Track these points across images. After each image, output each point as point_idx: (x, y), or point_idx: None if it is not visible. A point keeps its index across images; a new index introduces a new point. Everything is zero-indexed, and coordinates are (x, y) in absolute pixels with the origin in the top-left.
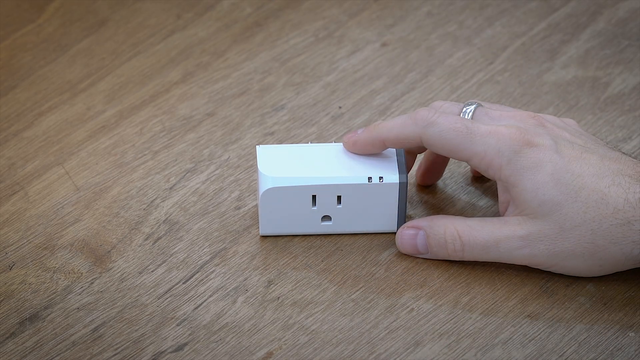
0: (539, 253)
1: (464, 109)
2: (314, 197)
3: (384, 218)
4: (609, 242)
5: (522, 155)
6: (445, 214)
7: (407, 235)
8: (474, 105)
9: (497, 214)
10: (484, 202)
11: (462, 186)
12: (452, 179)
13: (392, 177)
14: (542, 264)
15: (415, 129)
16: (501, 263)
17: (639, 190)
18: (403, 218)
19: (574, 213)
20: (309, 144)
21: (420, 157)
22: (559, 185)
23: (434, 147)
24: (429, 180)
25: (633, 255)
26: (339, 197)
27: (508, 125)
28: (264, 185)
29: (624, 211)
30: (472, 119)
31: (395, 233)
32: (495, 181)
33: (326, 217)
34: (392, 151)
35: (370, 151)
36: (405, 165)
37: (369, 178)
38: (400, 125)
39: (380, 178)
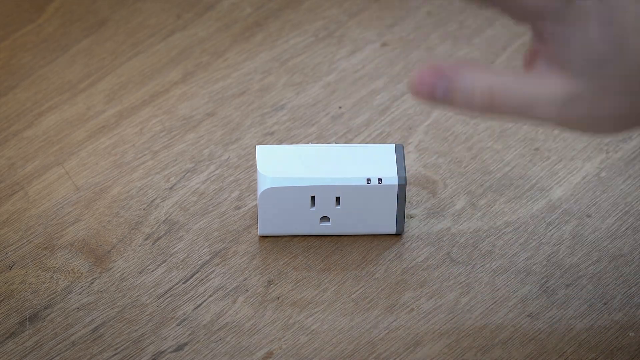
0: (575, 116)
1: None
2: (312, 197)
3: (382, 219)
4: None
5: (571, 6)
6: (471, 62)
7: (427, 76)
8: None
9: (491, 212)
10: (484, 201)
11: (462, 186)
12: (452, 179)
13: (391, 178)
14: (573, 126)
15: None
16: (501, 263)
17: None
18: (402, 219)
19: (620, 75)
20: (309, 144)
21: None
22: (607, 44)
23: None
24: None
25: None
26: (337, 198)
27: None
28: (263, 185)
29: None
30: None
31: (394, 234)
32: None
33: (325, 218)
34: (391, 151)
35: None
36: (404, 166)
37: (368, 179)
38: None
39: (379, 179)
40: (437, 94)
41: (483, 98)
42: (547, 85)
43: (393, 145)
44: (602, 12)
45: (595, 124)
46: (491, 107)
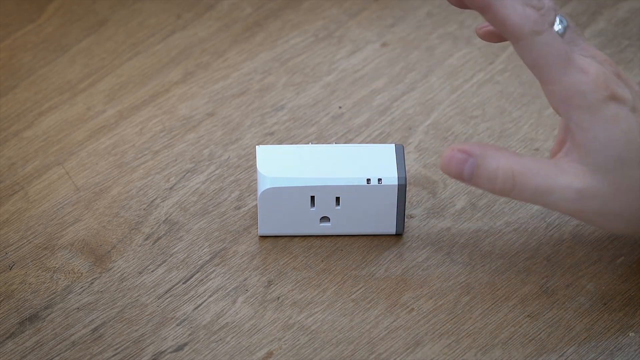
0: (588, 210)
1: (558, 24)
2: (312, 198)
3: (382, 220)
4: None
5: (604, 106)
6: (497, 146)
7: (456, 159)
8: (564, 24)
9: (491, 212)
10: (484, 201)
11: (462, 186)
12: (452, 179)
13: (391, 178)
14: (585, 219)
15: (521, 24)
16: (501, 263)
17: None
18: (402, 220)
19: (634, 177)
20: (309, 144)
21: None
22: (629, 145)
23: (525, 55)
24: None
25: None
26: (337, 199)
27: (596, 66)
28: (263, 185)
29: None
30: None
31: (394, 234)
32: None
33: (325, 218)
34: (391, 152)
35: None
36: (404, 166)
37: (368, 179)
38: (511, 7)
39: (379, 180)
40: (465, 174)
41: (505, 179)
42: (566, 175)
43: (393, 145)
44: (630, 121)
45: (609, 220)
46: (512, 188)
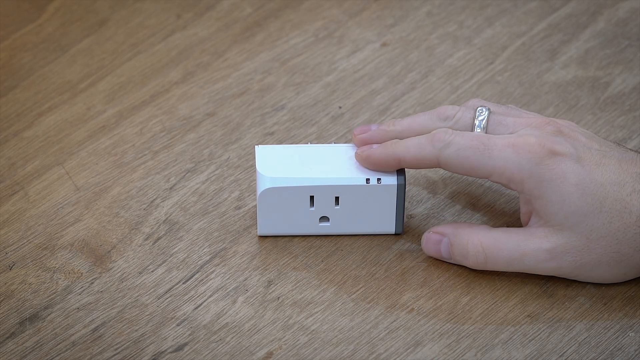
0: (566, 265)
1: (478, 118)
2: (311, 197)
3: (381, 219)
4: (633, 250)
5: (544, 167)
6: (470, 223)
7: (432, 240)
8: (487, 113)
9: (491, 212)
10: (484, 201)
11: (462, 186)
12: (452, 178)
13: (390, 178)
14: (567, 275)
15: (432, 150)
16: None
17: None
18: (401, 220)
19: (600, 224)
20: (308, 144)
21: None
22: (584, 196)
23: (452, 167)
24: None
25: None
26: (336, 198)
27: (525, 134)
28: (262, 185)
29: None
30: (486, 128)
31: (393, 234)
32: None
33: (324, 218)
34: None
35: (384, 168)
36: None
37: (367, 179)
38: (417, 145)
39: (379, 179)
40: (443, 253)
41: (476, 253)
42: (535, 239)
43: None
44: (577, 172)
45: (591, 270)
46: (485, 261)
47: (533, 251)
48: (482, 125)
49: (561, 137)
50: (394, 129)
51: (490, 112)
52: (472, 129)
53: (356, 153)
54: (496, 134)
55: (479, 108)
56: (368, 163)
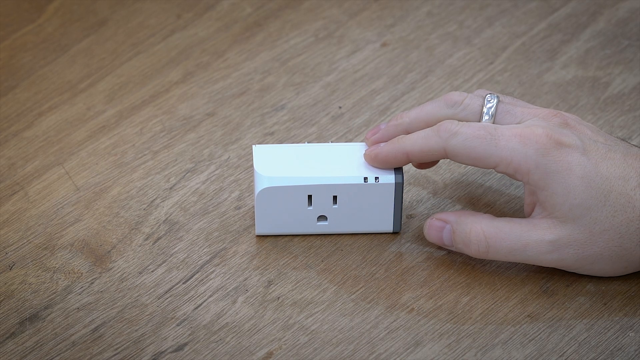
0: (568, 257)
1: (486, 106)
2: (309, 197)
3: (380, 218)
4: (636, 244)
5: (550, 158)
6: (474, 211)
7: (435, 227)
8: (495, 101)
9: (491, 212)
10: (484, 201)
11: (462, 186)
12: (452, 179)
13: (388, 177)
14: (569, 267)
15: (438, 140)
16: (501, 263)
17: None
18: (399, 218)
19: (603, 217)
20: (305, 143)
21: None
22: (589, 189)
23: (459, 158)
24: (425, 167)
25: None
26: (334, 197)
27: (533, 125)
28: (260, 185)
29: None
30: (494, 116)
31: (391, 233)
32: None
33: (322, 217)
34: None
35: (393, 165)
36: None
37: (365, 178)
38: (423, 137)
39: (376, 178)
40: (444, 240)
41: (478, 242)
42: (538, 230)
43: None
44: (583, 165)
45: (593, 263)
46: (487, 250)
47: (535, 242)
48: (490, 113)
49: (568, 129)
50: (403, 121)
51: (499, 101)
52: (481, 117)
53: (365, 153)
54: (504, 123)
55: (488, 95)
56: (377, 161)
